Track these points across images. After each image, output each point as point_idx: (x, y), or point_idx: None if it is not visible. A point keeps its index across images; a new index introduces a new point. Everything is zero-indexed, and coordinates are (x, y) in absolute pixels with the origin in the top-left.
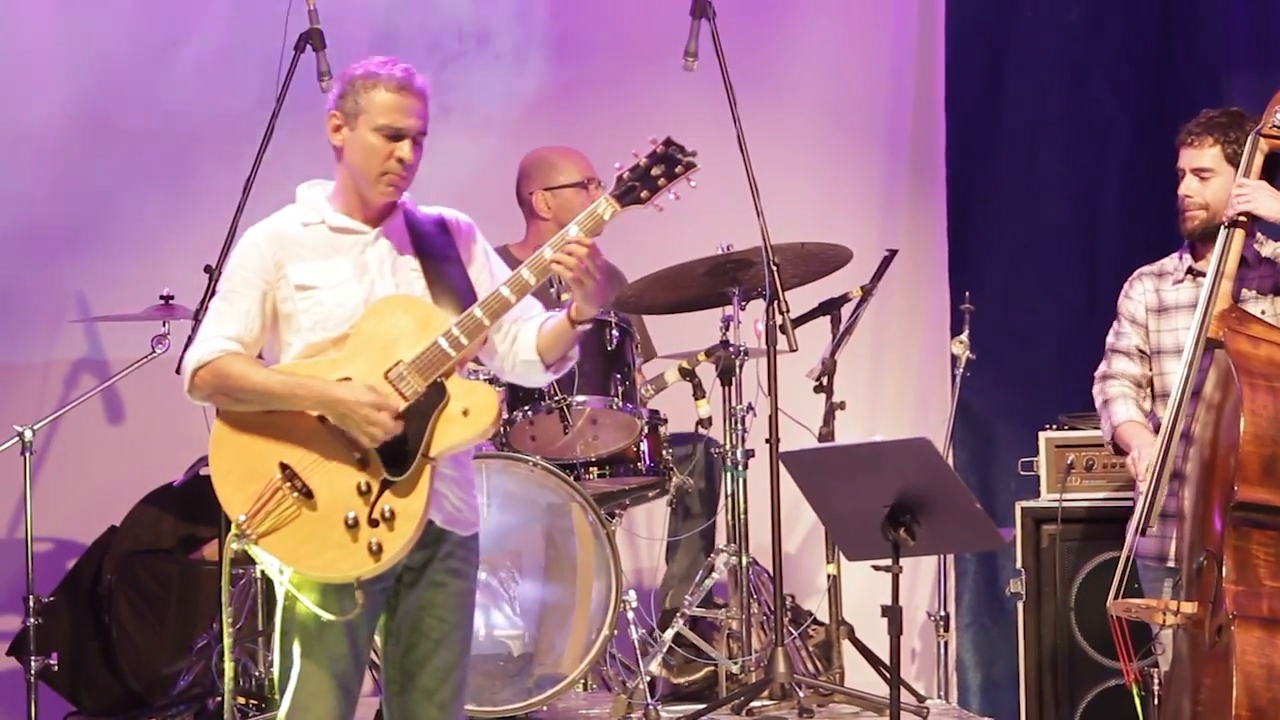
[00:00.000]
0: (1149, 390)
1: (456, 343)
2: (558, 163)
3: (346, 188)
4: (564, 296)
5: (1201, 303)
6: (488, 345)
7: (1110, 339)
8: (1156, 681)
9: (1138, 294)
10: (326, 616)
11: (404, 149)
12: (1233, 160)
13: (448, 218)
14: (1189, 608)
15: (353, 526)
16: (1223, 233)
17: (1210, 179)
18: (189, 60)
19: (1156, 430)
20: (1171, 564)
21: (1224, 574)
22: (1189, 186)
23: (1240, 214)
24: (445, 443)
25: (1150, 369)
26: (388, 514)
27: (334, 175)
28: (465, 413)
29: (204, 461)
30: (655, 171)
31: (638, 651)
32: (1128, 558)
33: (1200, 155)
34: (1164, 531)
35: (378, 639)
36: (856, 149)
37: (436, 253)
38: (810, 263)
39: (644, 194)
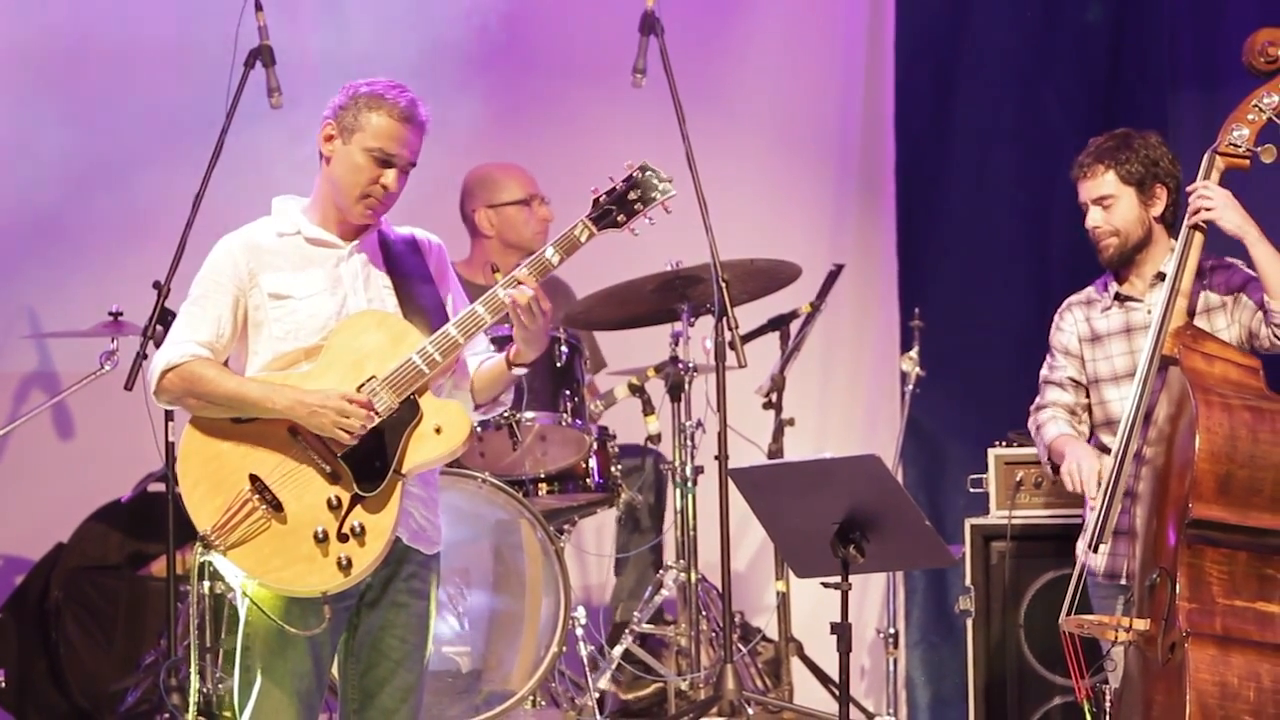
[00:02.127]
0: (1084, 417)
1: (431, 360)
2: (500, 179)
3: (324, 200)
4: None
5: (1155, 320)
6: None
7: (1044, 371)
8: (1108, 699)
9: (1069, 325)
10: (291, 631)
11: (389, 177)
12: (1128, 180)
13: (420, 238)
14: (1141, 625)
15: (322, 541)
16: (1181, 238)
17: (1113, 205)
18: (138, 75)
19: (1104, 453)
20: (1123, 581)
21: (1177, 591)
22: (1094, 218)
23: (1203, 221)
24: (417, 459)
25: (1085, 398)
26: (358, 529)
27: (285, 190)
28: (438, 430)
29: (152, 477)
30: (632, 196)
31: (586, 668)
32: (1079, 574)
33: (1098, 185)
34: (1116, 549)
35: (336, 657)
36: (805, 165)
37: (409, 271)
38: (759, 279)
39: (620, 218)
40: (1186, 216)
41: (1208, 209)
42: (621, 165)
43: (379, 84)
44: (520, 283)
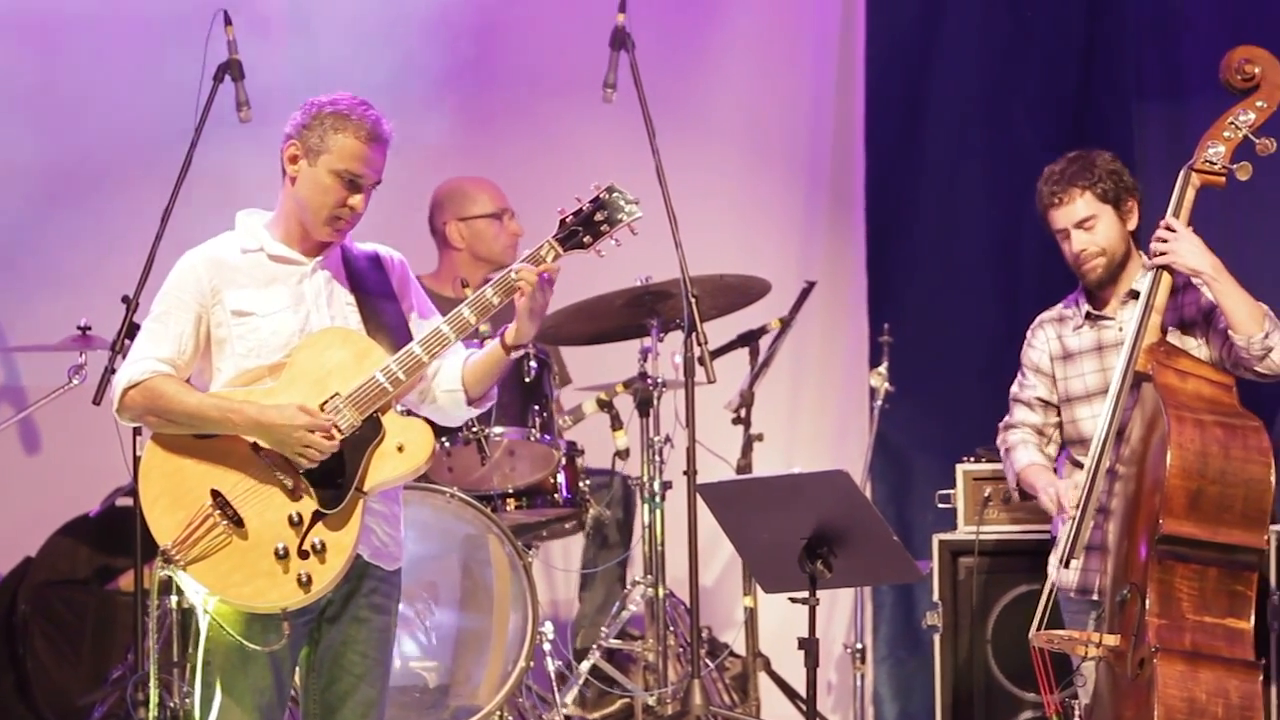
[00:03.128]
0: (1052, 438)
1: (394, 378)
2: (471, 192)
3: (289, 217)
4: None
5: (1129, 337)
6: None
7: (1014, 389)
8: (1077, 714)
9: (1040, 343)
10: (251, 647)
11: (357, 199)
12: (1105, 198)
13: (382, 254)
14: (1111, 640)
15: (283, 557)
16: (1151, 272)
17: (1095, 224)
18: (106, 90)
19: (1075, 467)
20: (1094, 597)
21: (1147, 607)
22: (1079, 241)
23: (1160, 266)
24: (379, 477)
25: (1054, 417)
26: (318, 546)
27: (254, 205)
28: (400, 448)
29: (120, 492)
30: (599, 217)
31: (554, 683)
32: (1050, 589)
33: (1075, 209)
34: (1087, 564)
35: (298, 672)
36: (776, 181)
37: (372, 288)
38: (729, 294)
39: (586, 239)
40: (1149, 256)
41: (1162, 254)
42: (590, 183)
43: (342, 101)
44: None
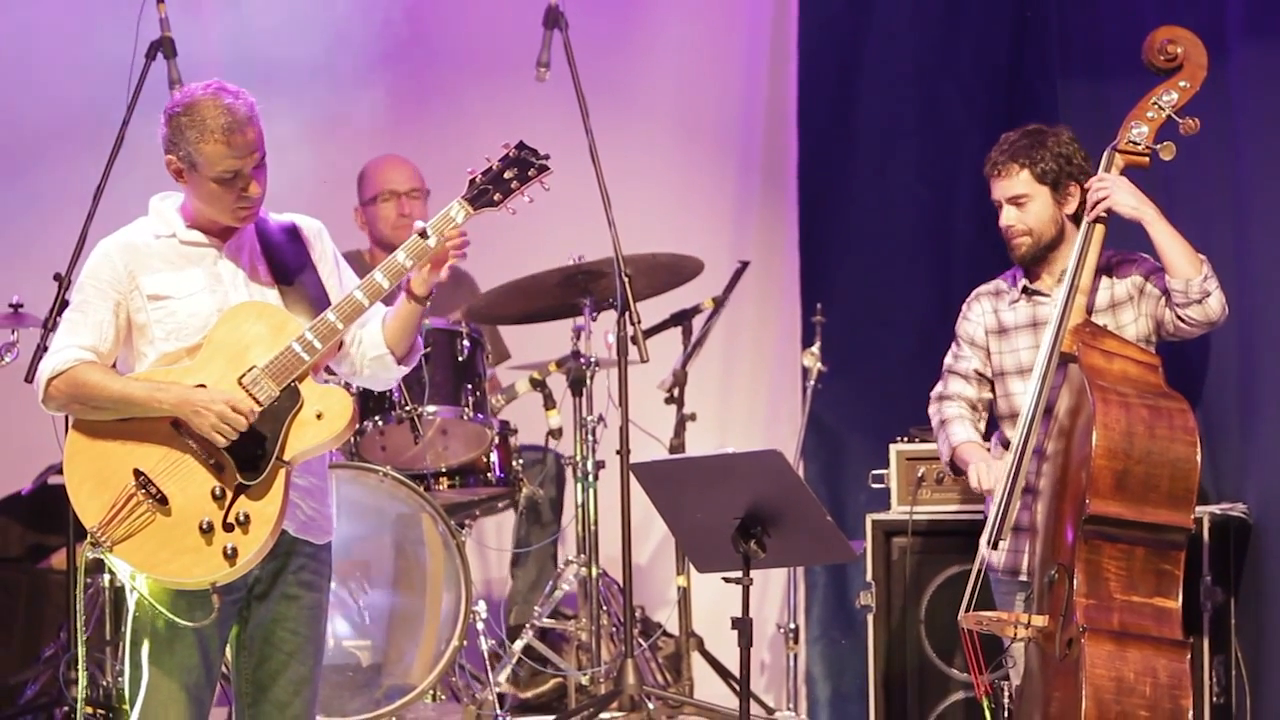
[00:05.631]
0: (985, 413)
1: (310, 347)
2: (368, 174)
3: (197, 208)
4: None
5: (1055, 317)
6: (340, 351)
7: (948, 360)
8: (1007, 695)
9: (976, 315)
10: (181, 623)
11: (251, 187)
12: (1043, 179)
13: (300, 224)
14: (1040, 621)
15: (207, 531)
16: (1081, 233)
17: (1027, 204)
18: (37, 67)
19: (1004, 448)
20: (1023, 577)
21: (1075, 587)
22: (1008, 216)
23: (1102, 210)
24: (300, 446)
25: (988, 391)
26: (243, 518)
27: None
28: (319, 416)
29: (52, 470)
30: (508, 175)
31: (487, 662)
32: (979, 571)
33: (1011, 184)
34: (1016, 545)
35: (228, 651)
36: (708, 160)
37: (289, 261)
38: (662, 274)
39: (496, 196)
40: (1086, 211)
41: (1102, 196)
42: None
43: (194, 100)
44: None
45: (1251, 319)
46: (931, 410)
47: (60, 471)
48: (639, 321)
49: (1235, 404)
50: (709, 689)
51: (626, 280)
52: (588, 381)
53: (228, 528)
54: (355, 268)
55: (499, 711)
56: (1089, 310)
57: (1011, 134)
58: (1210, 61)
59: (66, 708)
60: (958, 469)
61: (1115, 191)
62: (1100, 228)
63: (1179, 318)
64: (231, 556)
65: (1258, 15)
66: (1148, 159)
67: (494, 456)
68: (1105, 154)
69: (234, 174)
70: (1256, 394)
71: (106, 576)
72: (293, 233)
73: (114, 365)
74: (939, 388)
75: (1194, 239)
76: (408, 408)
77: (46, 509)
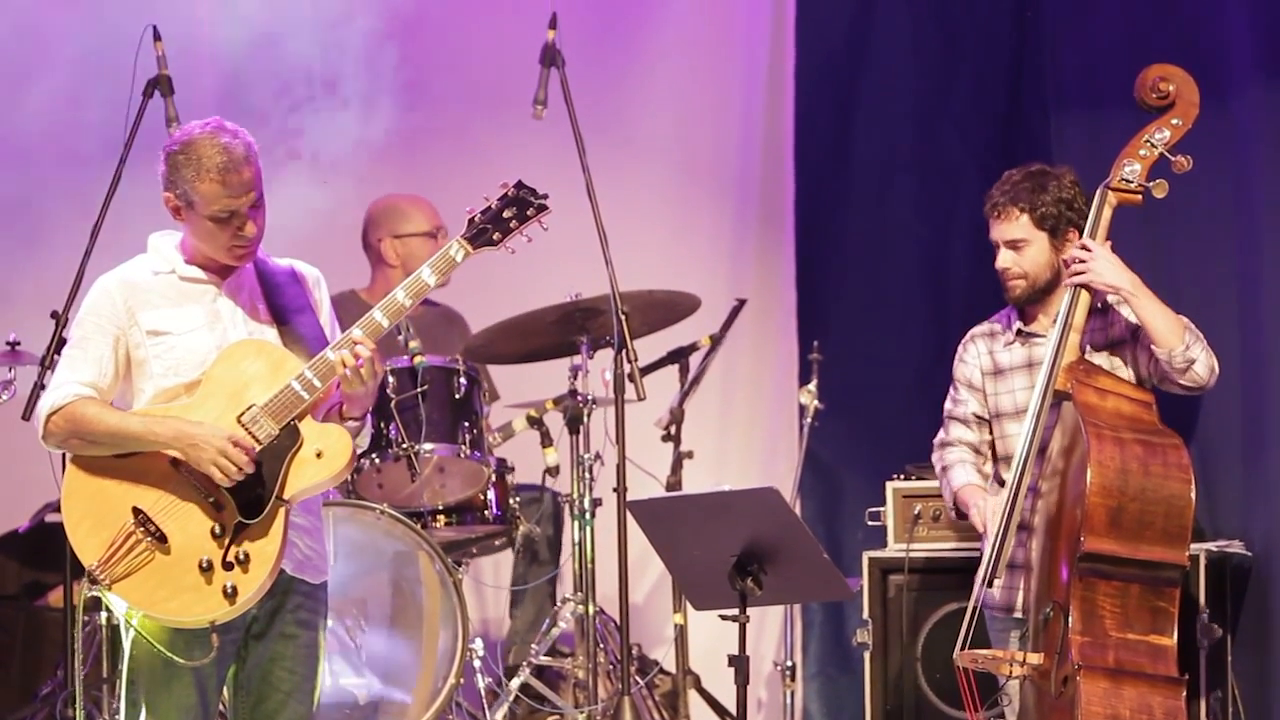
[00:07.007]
0: (989, 455)
1: (310, 385)
2: (407, 210)
3: (195, 246)
4: (411, 344)
5: (1048, 356)
6: None
7: (948, 405)
8: None
9: (971, 358)
10: (179, 662)
11: (247, 227)
12: (1042, 224)
13: (299, 269)
14: (1035, 658)
15: (207, 570)
16: (1069, 292)
17: (1024, 248)
18: (36, 104)
19: (1001, 487)
20: (1018, 615)
21: (1070, 624)
22: (1005, 259)
23: (1079, 285)
24: (299, 485)
25: (988, 434)
26: (242, 557)
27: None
28: (319, 455)
29: (50, 508)
30: (507, 214)
31: (484, 701)
32: (974, 608)
33: (1010, 227)
34: (1011, 582)
35: (226, 690)
36: (705, 197)
37: (288, 301)
38: (658, 311)
39: (496, 236)
40: (1064, 277)
41: (1080, 274)
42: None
43: (191, 138)
44: (357, 343)
45: (1258, 357)
46: (934, 458)
47: (58, 509)
48: (636, 359)
49: (1238, 441)
50: None
51: (623, 318)
52: (585, 419)
53: (227, 566)
54: (350, 307)
55: None
56: (1083, 349)
57: (1014, 173)
58: (1215, 96)
59: None
60: (961, 513)
61: (1092, 271)
62: (1085, 293)
63: (1168, 380)
64: (231, 595)
65: (1264, 52)
66: (1140, 197)
67: (491, 494)
68: (1098, 192)
69: (230, 213)
70: (1262, 432)
71: (104, 614)
72: (291, 275)
73: (112, 403)
74: (940, 434)
75: (1199, 272)
76: (405, 445)
77: (44, 547)
